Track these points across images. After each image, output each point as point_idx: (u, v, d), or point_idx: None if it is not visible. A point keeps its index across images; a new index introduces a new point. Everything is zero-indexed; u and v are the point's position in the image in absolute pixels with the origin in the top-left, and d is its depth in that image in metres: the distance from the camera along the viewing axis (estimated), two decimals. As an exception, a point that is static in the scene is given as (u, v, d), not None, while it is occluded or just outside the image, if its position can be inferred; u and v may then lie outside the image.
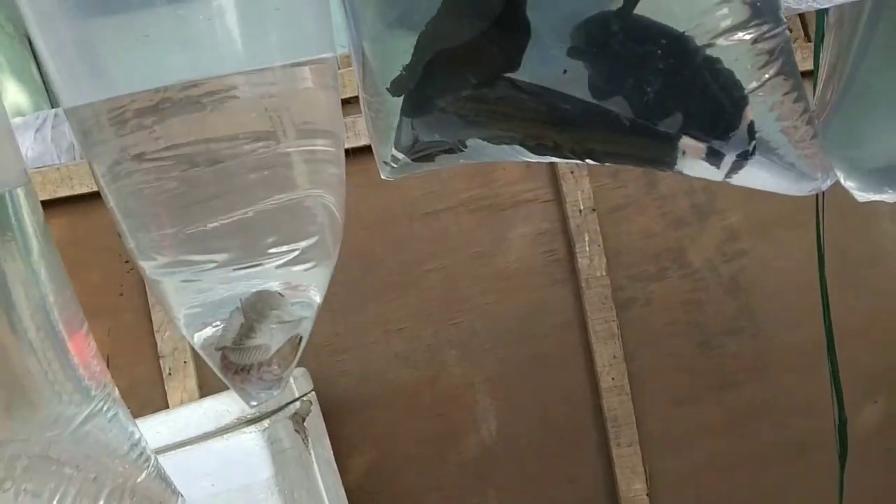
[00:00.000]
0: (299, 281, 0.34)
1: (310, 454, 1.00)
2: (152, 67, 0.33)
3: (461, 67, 0.35)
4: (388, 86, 0.38)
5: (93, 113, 0.34)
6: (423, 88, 0.37)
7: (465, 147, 0.39)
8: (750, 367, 1.23)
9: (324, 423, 1.14)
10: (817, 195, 0.68)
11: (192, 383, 1.17)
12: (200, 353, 0.36)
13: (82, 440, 0.32)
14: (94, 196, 1.20)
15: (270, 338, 0.32)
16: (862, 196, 0.52)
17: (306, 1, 0.36)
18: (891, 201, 0.52)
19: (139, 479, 0.35)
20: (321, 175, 0.35)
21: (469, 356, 1.22)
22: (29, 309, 0.30)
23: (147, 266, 0.33)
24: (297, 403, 1.00)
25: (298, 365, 1.15)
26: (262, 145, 0.33)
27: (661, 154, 0.33)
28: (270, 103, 0.34)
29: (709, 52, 0.30)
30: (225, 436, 0.84)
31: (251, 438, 0.85)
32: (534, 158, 0.38)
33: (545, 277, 1.23)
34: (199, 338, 0.34)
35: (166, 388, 1.18)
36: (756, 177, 0.33)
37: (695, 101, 0.31)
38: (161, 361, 1.19)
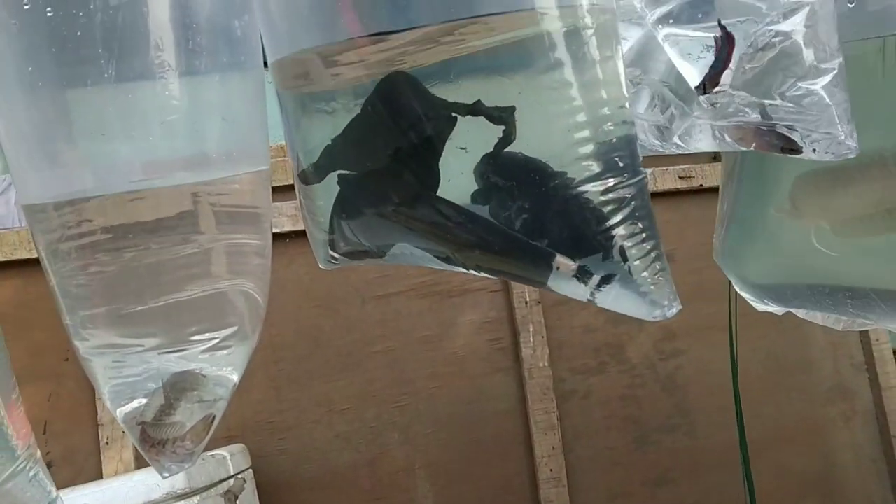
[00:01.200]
0: (219, 363, 0.37)
1: (240, 533, 0.99)
2: (98, 157, 0.37)
3: (383, 186, 0.39)
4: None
5: (40, 204, 0.37)
6: (351, 198, 0.41)
7: (387, 253, 0.44)
8: (684, 464, 1.26)
9: (258, 503, 1.13)
10: (729, 307, 0.73)
11: (128, 454, 1.16)
12: (122, 425, 0.38)
13: (5, 498, 0.34)
14: (35, 262, 1.22)
15: (188, 415, 0.34)
16: (757, 306, 0.57)
17: (245, 106, 0.40)
18: (779, 314, 0.57)
19: None
20: (245, 265, 0.38)
21: (411, 440, 1.23)
22: None
23: (81, 346, 0.36)
24: (231, 480, 1.00)
25: (239, 441, 1.14)
26: (188, 236, 0.37)
27: (537, 271, 0.38)
28: (200, 195, 0.38)
29: (569, 193, 0.36)
30: (153, 510, 0.84)
31: (179, 514, 0.84)
32: (441, 267, 0.42)
33: (490, 365, 1.26)
34: (121, 412, 0.37)
35: (102, 458, 1.16)
36: (616, 300, 0.38)
37: (565, 227, 0.36)
38: (99, 430, 1.17)
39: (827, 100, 0.38)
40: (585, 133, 0.36)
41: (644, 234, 0.37)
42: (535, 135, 0.36)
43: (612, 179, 0.36)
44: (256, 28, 0.40)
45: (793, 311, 0.58)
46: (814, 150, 0.39)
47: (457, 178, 0.37)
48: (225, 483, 0.98)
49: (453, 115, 0.35)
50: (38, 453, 0.39)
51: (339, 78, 0.38)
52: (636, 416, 1.26)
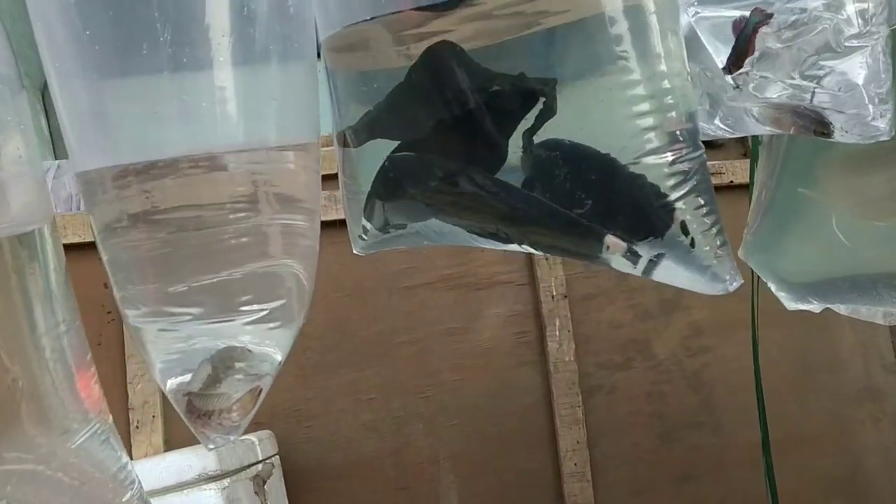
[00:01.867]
0: (265, 339, 0.37)
1: (267, 517, 1.01)
2: (157, 141, 0.38)
3: (429, 160, 0.40)
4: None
5: (98, 176, 0.38)
6: (393, 175, 0.42)
7: (427, 231, 0.44)
8: (708, 461, 1.25)
9: (285, 489, 1.14)
10: (752, 305, 0.73)
11: (158, 438, 1.18)
12: (169, 397, 0.39)
13: (79, 455, 0.35)
14: (84, 246, 1.24)
15: (234, 388, 0.35)
16: (791, 305, 0.57)
17: (298, 93, 0.41)
18: (816, 311, 0.56)
19: (124, 499, 0.37)
20: (295, 247, 0.39)
21: (435, 430, 1.24)
22: (45, 331, 0.34)
23: (130, 314, 0.37)
24: (260, 465, 1.02)
25: (266, 428, 1.16)
26: (244, 216, 0.38)
27: (589, 248, 0.38)
28: (257, 179, 0.39)
29: (633, 169, 0.36)
30: (185, 491, 0.86)
31: (210, 496, 0.86)
32: (484, 244, 0.42)
33: (515, 358, 1.26)
34: (170, 384, 0.38)
35: (132, 441, 1.18)
36: (674, 275, 0.38)
37: (620, 209, 0.36)
38: (130, 413, 1.20)
39: (854, 80, 0.37)
40: (646, 106, 0.36)
41: (706, 209, 0.37)
42: (596, 109, 0.36)
43: (674, 153, 0.36)
44: (311, 12, 0.40)
45: (833, 307, 0.57)
46: (843, 131, 0.38)
47: (514, 154, 0.37)
48: (254, 468, 0.99)
49: (496, 87, 0.36)
50: (111, 420, 0.41)
51: (387, 50, 0.38)
52: (661, 412, 1.26)
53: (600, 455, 1.23)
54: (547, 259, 1.27)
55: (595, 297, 1.28)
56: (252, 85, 0.38)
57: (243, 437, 1.06)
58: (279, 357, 0.38)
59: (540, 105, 0.36)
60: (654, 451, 1.25)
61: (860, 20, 0.38)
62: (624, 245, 0.37)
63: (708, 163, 1.25)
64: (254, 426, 1.22)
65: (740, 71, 0.42)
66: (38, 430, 0.35)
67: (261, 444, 1.06)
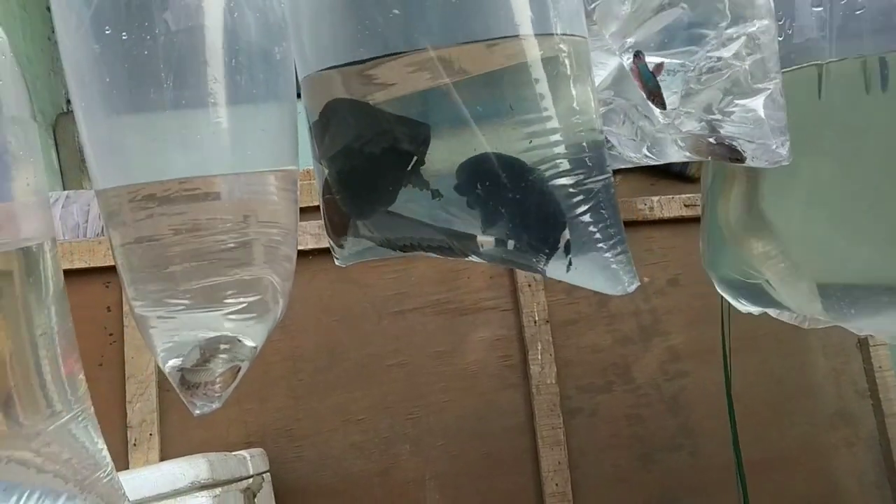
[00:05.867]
0: (244, 331, 0.44)
1: (257, 531, 1.05)
2: (162, 165, 0.45)
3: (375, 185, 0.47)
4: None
5: (115, 194, 0.45)
6: (356, 198, 0.49)
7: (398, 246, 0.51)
8: (687, 483, 1.29)
9: (275, 506, 1.18)
10: (722, 331, 0.79)
11: (154, 455, 1.23)
12: (167, 375, 0.45)
13: (60, 437, 0.41)
14: (89, 272, 1.30)
15: (217, 366, 0.41)
16: (737, 306, 0.63)
17: (279, 127, 0.48)
18: (755, 313, 0.62)
19: (99, 481, 0.43)
20: (272, 255, 0.46)
21: (422, 451, 1.28)
22: (41, 330, 0.40)
23: (136, 304, 0.44)
24: (251, 479, 1.06)
25: (258, 447, 1.20)
26: (233, 232, 0.44)
27: (466, 246, 0.45)
28: (243, 199, 0.45)
29: (541, 187, 0.42)
30: (178, 498, 0.90)
31: (202, 503, 0.90)
32: (438, 255, 0.49)
33: (499, 381, 1.31)
34: (168, 365, 0.44)
35: (129, 458, 1.23)
36: (583, 277, 0.44)
37: (539, 214, 0.43)
38: (128, 432, 1.24)
39: (762, 115, 0.45)
40: (558, 136, 0.43)
41: (609, 221, 0.43)
42: (512, 133, 0.43)
43: (581, 175, 0.43)
44: (291, 58, 0.47)
45: (766, 310, 0.63)
46: (753, 158, 0.45)
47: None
48: (245, 481, 1.04)
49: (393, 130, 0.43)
50: (92, 410, 0.46)
51: (347, 91, 0.46)
52: (641, 434, 1.30)
53: (581, 476, 1.27)
54: (530, 286, 1.33)
55: (576, 323, 1.33)
56: (241, 120, 0.46)
57: (235, 453, 1.11)
58: (256, 346, 0.44)
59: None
60: (633, 473, 1.29)
61: (761, 69, 0.45)
62: (492, 240, 0.43)
63: (683, 195, 1.32)
64: (246, 445, 1.27)
65: (670, 107, 0.49)
66: (26, 415, 0.41)
67: (252, 460, 1.10)
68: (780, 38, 0.47)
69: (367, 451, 1.28)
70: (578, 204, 0.42)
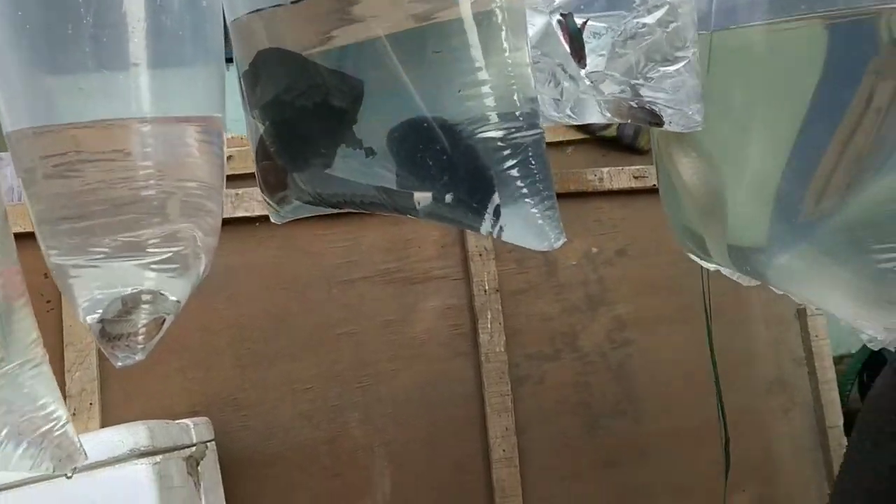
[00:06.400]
0: (166, 285, 0.42)
1: (200, 499, 1.03)
2: (80, 108, 0.43)
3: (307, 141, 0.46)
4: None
5: (27, 133, 0.43)
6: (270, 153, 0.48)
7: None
8: (631, 448, 1.32)
9: (220, 475, 1.17)
10: (704, 298, 0.80)
11: (95, 425, 1.20)
12: (89, 328, 0.44)
13: (13, 384, 0.39)
14: (25, 236, 1.26)
15: (140, 318, 0.40)
16: (694, 259, 0.63)
17: (204, 74, 0.46)
18: (707, 266, 0.63)
19: (55, 432, 0.42)
20: (196, 209, 0.44)
21: (371, 419, 1.28)
22: None
23: (52, 253, 0.42)
24: (194, 447, 1.04)
25: (203, 416, 1.18)
26: (150, 181, 0.43)
27: (406, 203, 0.44)
28: (160, 149, 0.44)
29: (470, 141, 0.42)
30: (116, 466, 0.88)
31: (140, 471, 0.88)
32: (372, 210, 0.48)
33: (449, 349, 1.31)
34: (90, 318, 0.42)
35: (68, 429, 1.20)
36: (511, 233, 0.44)
37: (469, 167, 0.43)
38: (68, 401, 1.21)
39: (680, 82, 0.46)
40: (487, 88, 0.42)
41: (537, 176, 0.43)
42: (445, 88, 0.42)
43: (511, 129, 0.42)
44: (219, 4, 0.46)
45: (719, 267, 0.63)
46: (669, 122, 0.46)
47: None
48: (188, 449, 1.02)
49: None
50: (47, 361, 0.45)
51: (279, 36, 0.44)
52: (587, 401, 1.33)
53: (528, 442, 1.29)
54: (480, 255, 1.33)
55: (525, 292, 1.34)
56: (163, 65, 0.44)
57: (178, 421, 1.09)
58: (179, 301, 0.43)
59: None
60: (579, 439, 1.31)
61: (680, 38, 0.46)
62: (429, 195, 0.43)
63: (633, 167, 1.33)
64: (191, 414, 1.25)
65: (593, 69, 0.49)
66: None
67: (196, 428, 1.08)
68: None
69: (314, 419, 1.27)
70: (507, 158, 0.42)
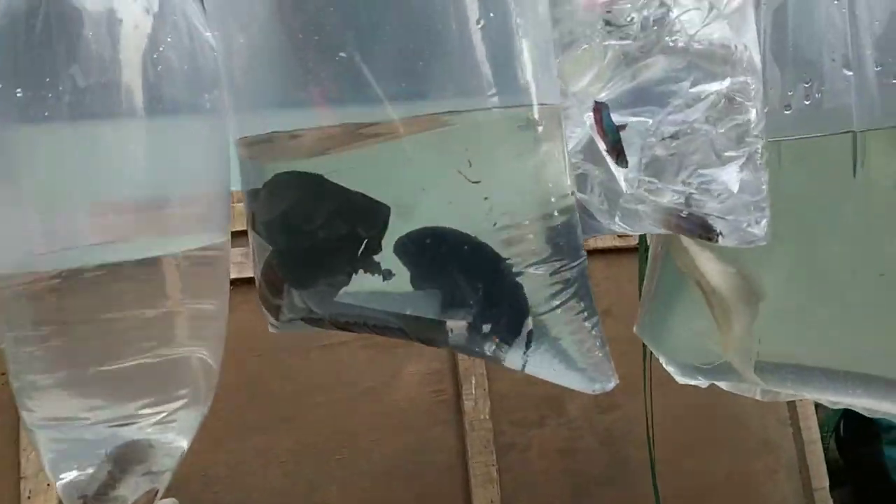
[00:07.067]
0: (168, 433, 0.37)
1: None
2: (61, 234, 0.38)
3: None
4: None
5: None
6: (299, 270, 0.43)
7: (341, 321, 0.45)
8: (620, 517, 1.28)
9: (190, 559, 1.09)
10: (644, 369, 0.77)
11: (51, 508, 1.11)
12: (61, 495, 0.37)
13: None
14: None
15: (132, 489, 0.34)
16: (680, 379, 0.60)
17: (210, 198, 0.42)
18: (703, 386, 0.60)
19: None
20: (203, 331, 0.39)
21: (350, 494, 1.21)
22: None
23: (27, 416, 0.35)
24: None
25: (171, 493, 1.11)
26: (152, 305, 0.37)
27: (436, 333, 0.40)
28: (165, 264, 0.38)
29: (518, 279, 0.38)
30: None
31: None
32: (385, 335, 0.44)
33: (432, 417, 1.26)
34: (61, 482, 0.36)
35: (22, 513, 1.11)
36: (550, 372, 0.40)
37: (510, 307, 0.38)
38: (22, 483, 1.12)
39: (732, 188, 0.40)
40: (527, 220, 0.38)
41: (586, 313, 0.39)
42: (480, 219, 0.38)
43: (559, 262, 0.38)
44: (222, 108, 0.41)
45: (717, 383, 0.61)
46: (723, 236, 0.41)
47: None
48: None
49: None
50: None
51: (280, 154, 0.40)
52: (574, 468, 1.28)
53: (515, 514, 1.24)
54: (463, 318, 1.29)
55: (510, 356, 1.30)
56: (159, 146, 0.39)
57: (146, 508, 1.01)
58: (184, 444, 0.38)
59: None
60: (567, 508, 1.27)
61: (735, 134, 0.41)
62: (464, 323, 0.39)
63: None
64: (158, 493, 1.16)
65: (633, 175, 0.45)
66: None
67: (164, 514, 1.01)
68: (807, 102, 0.43)
69: (290, 495, 1.20)
70: (552, 297, 0.38)
